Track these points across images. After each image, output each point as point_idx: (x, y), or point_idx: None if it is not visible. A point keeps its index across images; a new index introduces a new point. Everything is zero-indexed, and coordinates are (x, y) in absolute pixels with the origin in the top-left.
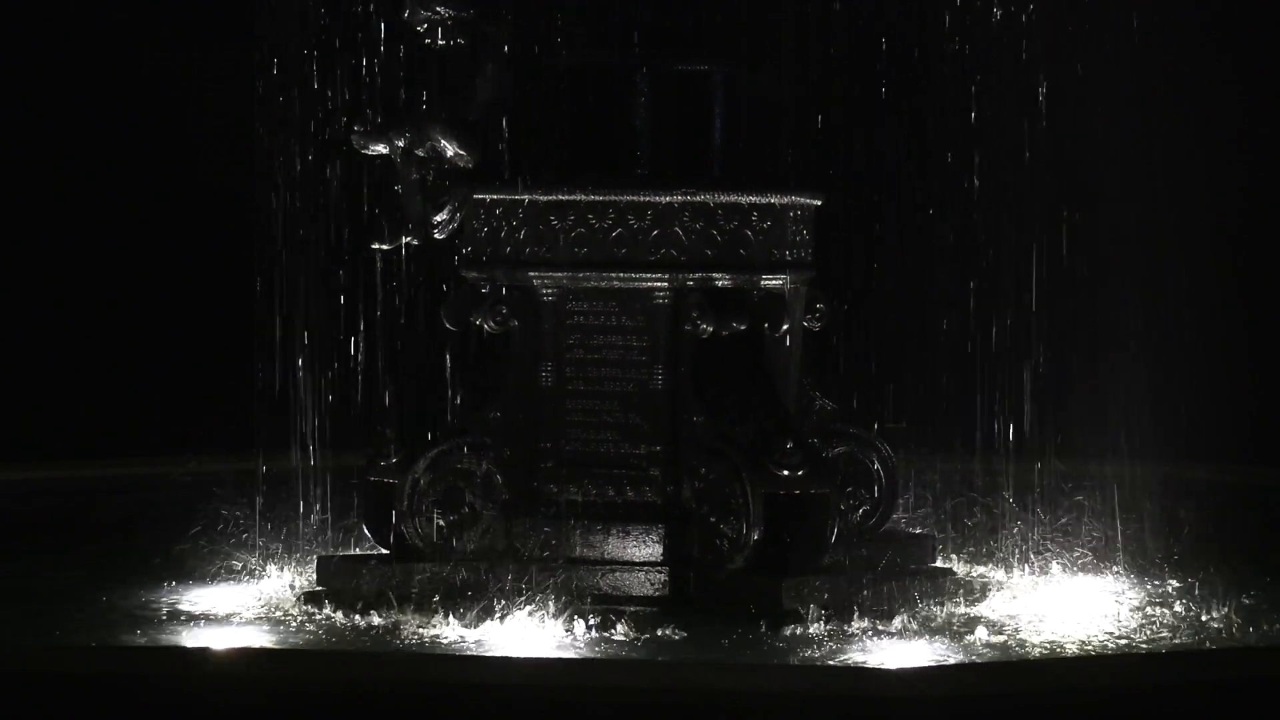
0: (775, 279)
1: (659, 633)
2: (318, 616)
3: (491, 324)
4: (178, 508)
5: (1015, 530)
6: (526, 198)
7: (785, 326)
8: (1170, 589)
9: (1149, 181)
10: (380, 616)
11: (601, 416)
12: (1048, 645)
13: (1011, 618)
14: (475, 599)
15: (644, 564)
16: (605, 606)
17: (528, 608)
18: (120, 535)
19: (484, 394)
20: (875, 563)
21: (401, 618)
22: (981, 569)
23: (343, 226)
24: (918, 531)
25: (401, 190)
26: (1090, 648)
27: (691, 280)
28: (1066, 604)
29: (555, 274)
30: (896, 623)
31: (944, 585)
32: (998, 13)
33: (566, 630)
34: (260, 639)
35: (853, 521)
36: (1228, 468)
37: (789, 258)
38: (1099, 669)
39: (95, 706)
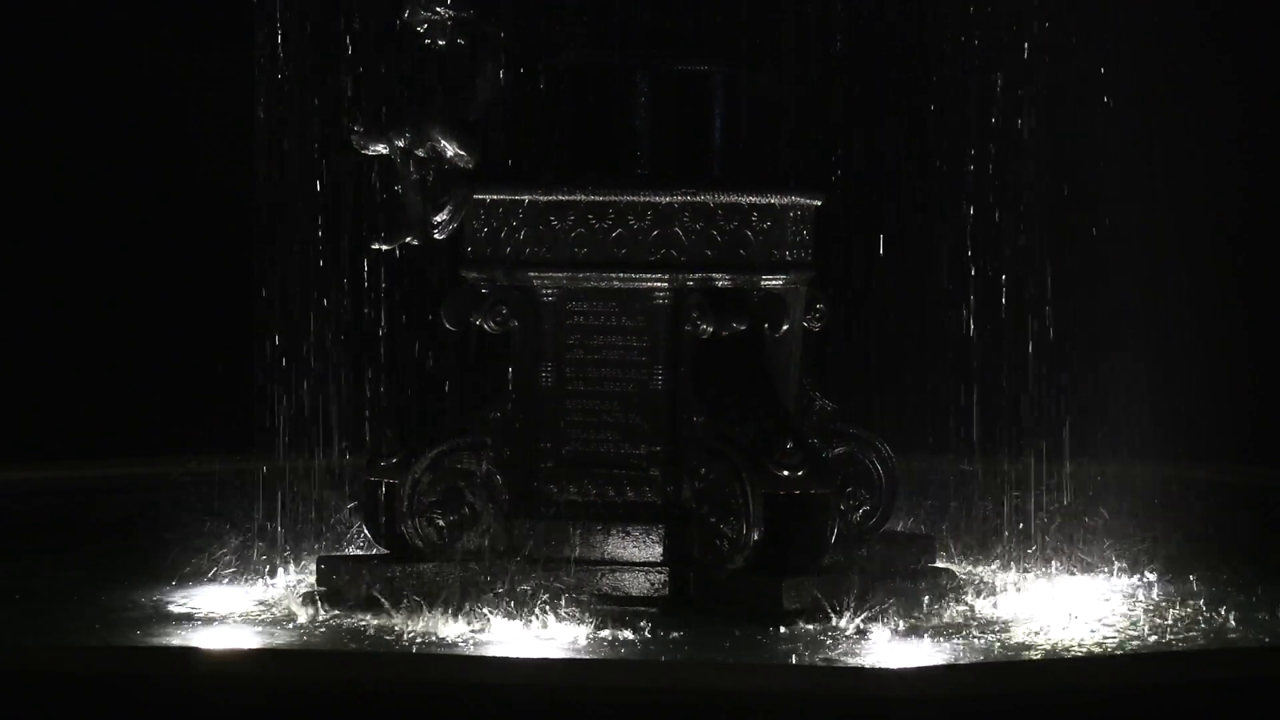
0: (775, 279)
1: (659, 633)
2: (317, 616)
3: (491, 324)
4: (178, 508)
5: (1015, 530)
6: (526, 198)
7: (785, 326)
8: (1170, 589)
9: (1149, 181)
10: (380, 617)
11: (601, 416)
12: (1048, 645)
13: (1012, 618)
14: (475, 599)
15: (644, 564)
16: (605, 606)
17: (528, 607)
18: (120, 535)
19: (484, 394)
20: (875, 563)
21: (401, 618)
22: (981, 569)
23: (343, 227)
24: (918, 532)
25: (401, 190)
26: (1090, 648)
27: (691, 280)
28: (1066, 604)
29: (555, 274)
30: (896, 623)
31: (944, 585)
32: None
33: (566, 630)
34: (260, 639)
35: (853, 521)
36: (1228, 468)
37: (789, 258)
38: (1099, 669)
39: (95, 706)
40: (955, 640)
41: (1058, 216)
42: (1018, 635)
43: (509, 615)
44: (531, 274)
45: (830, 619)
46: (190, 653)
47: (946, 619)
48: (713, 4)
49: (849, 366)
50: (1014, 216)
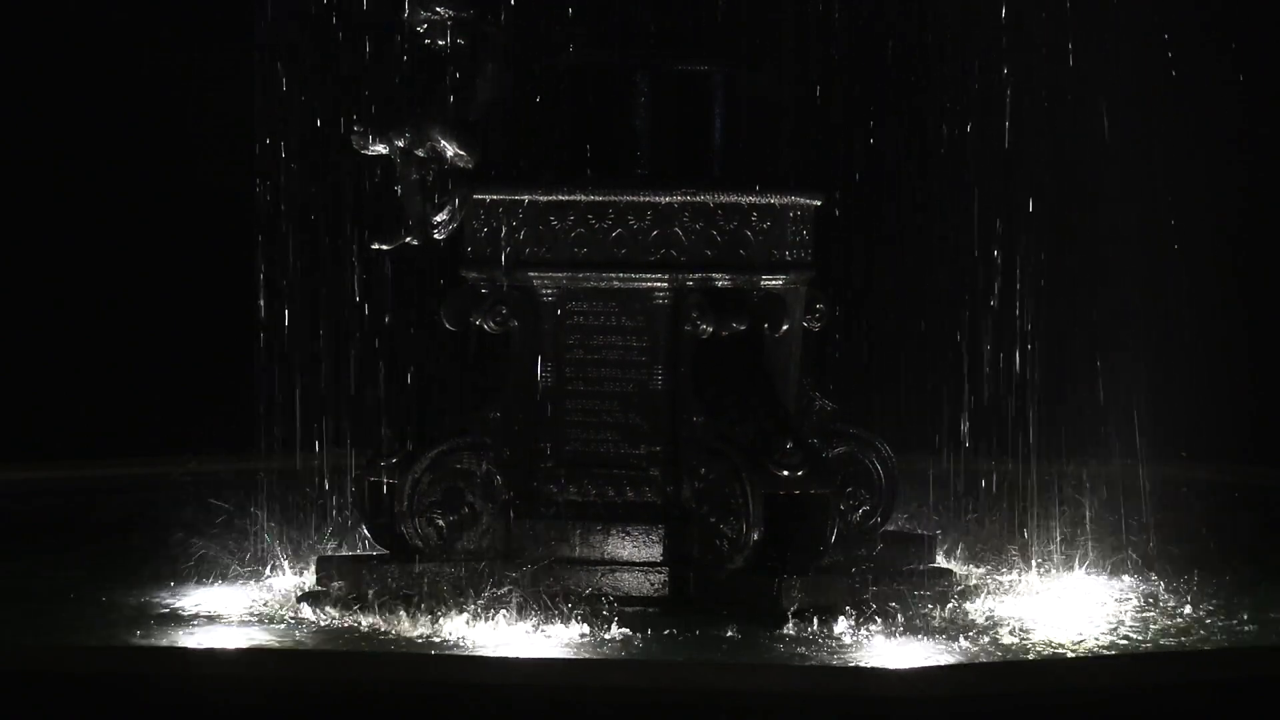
0: (775, 279)
1: (659, 633)
2: (318, 616)
3: (491, 324)
4: (178, 508)
5: (1014, 530)
6: (526, 198)
7: (785, 326)
8: (1170, 589)
9: (1149, 181)
10: (379, 616)
11: (601, 416)
12: (1048, 645)
13: (1012, 618)
14: (475, 599)
15: (644, 564)
16: (605, 607)
17: (527, 607)
18: (120, 535)
19: (484, 394)
20: (875, 563)
21: (401, 618)
22: (981, 569)
23: (342, 227)
24: (918, 532)
25: (401, 190)
26: (1090, 648)
27: (691, 280)
28: (1066, 604)
29: (555, 274)
30: (896, 623)
31: (944, 585)
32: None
33: (566, 630)
34: (260, 639)
35: (853, 522)
36: (1228, 468)
37: (789, 258)
38: (1099, 669)
39: (95, 706)
40: (955, 640)
41: (1058, 216)
42: (1018, 635)
43: (509, 615)
44: (531, 274)
45: (830, 619)
46: (190, 653)
47: (946, 619)
48: (713, 4)
49: (849, 366)
50: (1014, 216)
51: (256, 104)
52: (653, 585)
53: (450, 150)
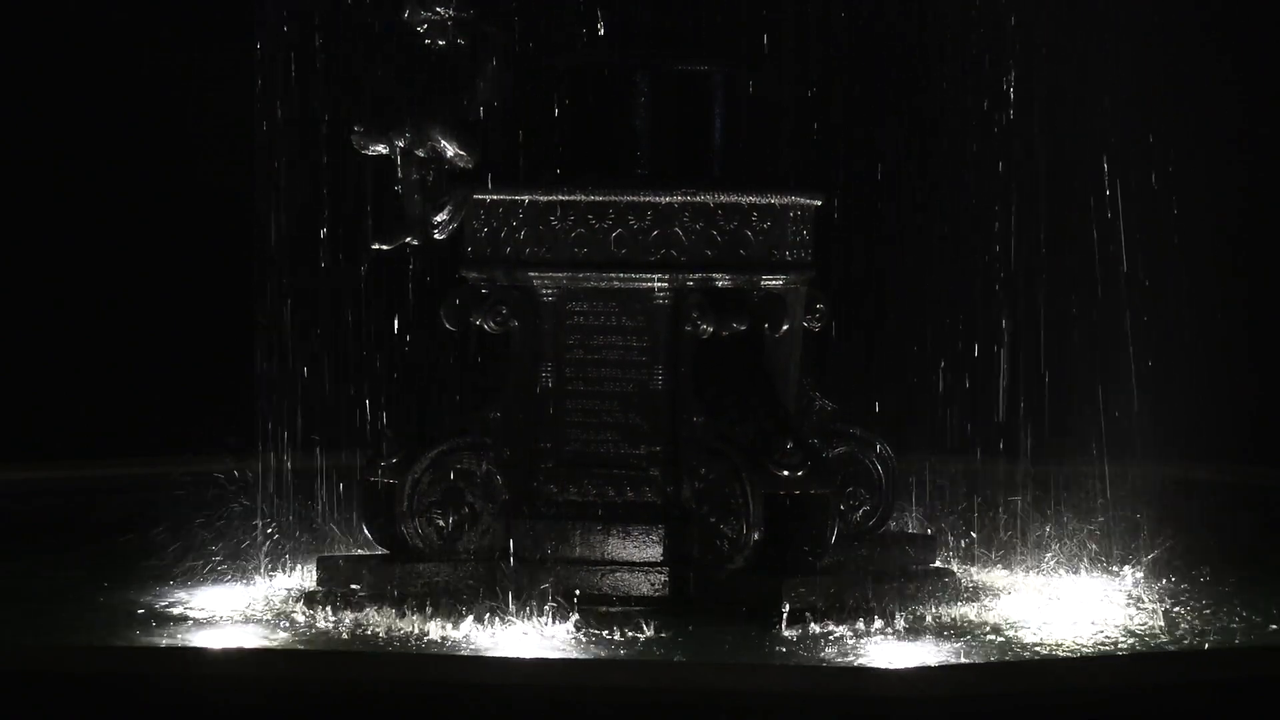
0: (775, 279)
1: (659, 633)
2: (317, 616)
3: (491, 324)
4: (178, 508)
5: (1015, 530)
6: (526, 198)
7: (785, 326)
8: (1170, 589)
9: (1149, 181)
10: (380, 617)
11: (601, 417)
12: (1048, 645)
13: (1012, 618)
14: (475, 599)
15: (644, 564)
16: (605, 607)
17: (527, 608)
18: (120, 535)
19: (484, 394)
20: (875, 563)
21: (401, 618)
22: (981, 569)
23: (342, 227)
24: (918, 532)
25: (401, 190)
26: (1090, 648)
27: (691, 280)
28: (1067, 604)
29: (555, 274)
30: (896, 623)
31: (944, 585)
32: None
33: (566, 630)
34: (260, 639)
35: (853, 522)
36: (1228, 468)
37: (789, 258)
38: (1099, 669)
39: (95, 706)
40: (955, 640)
41: (1057, 216)
42: (1018, 635)
43: (509, 615)
44: (531, 274)
45: (830, 619)
46: (190, 653)
47: (947, 619)
48: (713, 4)
49: (849, 366)
50: (1014, 216)
51: (256, 104)
52: (653, 585)
53: (450, 150)
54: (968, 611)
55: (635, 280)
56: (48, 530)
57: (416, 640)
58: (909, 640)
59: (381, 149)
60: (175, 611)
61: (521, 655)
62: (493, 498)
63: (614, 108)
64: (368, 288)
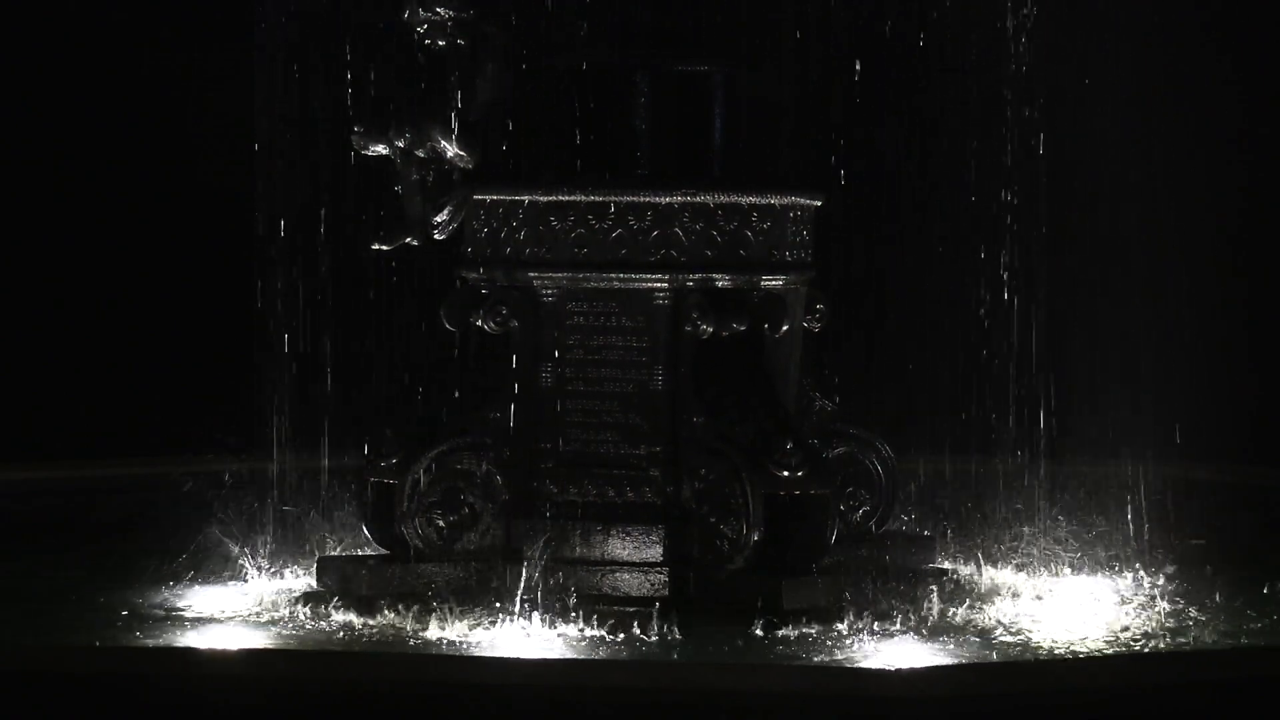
0: (775, 279)
1: (659, 633)
2: (317, 616)
3: (491, 324)
4: (178, 508)
5: (1015, 530)
6: (526, 198)
7: (785, 327)
8: (1170, 589)
9: (1149, 181)
10: (379, 617)
11: (601, 417)
12: (1048, 645)
13: (1012, 618)
14: (475, 599)
15: (644, 564)
16: (605, 607)
17: (528, 608)
18: (120, 535)
19: (484, 394)
20: (875, 563)
21: (401, 618)
22: (981, 569)
23: (342, 227)
24: (918, 532)
25: (401, 190)
26: (1090, 648)
27: (691, 281)
28: (1066, 604)
29: (555, 274)
30: (896, 623)
31: (944, 586)
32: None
33: (566, 630)
34: (260, 639)
35: (853, 522)
36: (1228, 468)
37: (789, 258)
38: (1099, 669)
39: (95, 706)
40: (955, 640)
41: (1058, 217)
42: (1018, 635)
43: (509, 615)
44: (531, 274)
45: (830, 619)
46: (190, 653)
47: (947, 619)
48: (713, 4)
49: (849, 366)
50: (1014, 217)
51: (256, 104)
52: (653, 585)
53: (450, 150)
54: (968, 611)
55: (635, 280)
56: (48, 530)
57: (416, 640)
58: (909, 640)
59: (381, 149)
60: (175, 611)
61: (521, 655)
62: (493, 498)
63: (614, 108)
64: (368, 287)
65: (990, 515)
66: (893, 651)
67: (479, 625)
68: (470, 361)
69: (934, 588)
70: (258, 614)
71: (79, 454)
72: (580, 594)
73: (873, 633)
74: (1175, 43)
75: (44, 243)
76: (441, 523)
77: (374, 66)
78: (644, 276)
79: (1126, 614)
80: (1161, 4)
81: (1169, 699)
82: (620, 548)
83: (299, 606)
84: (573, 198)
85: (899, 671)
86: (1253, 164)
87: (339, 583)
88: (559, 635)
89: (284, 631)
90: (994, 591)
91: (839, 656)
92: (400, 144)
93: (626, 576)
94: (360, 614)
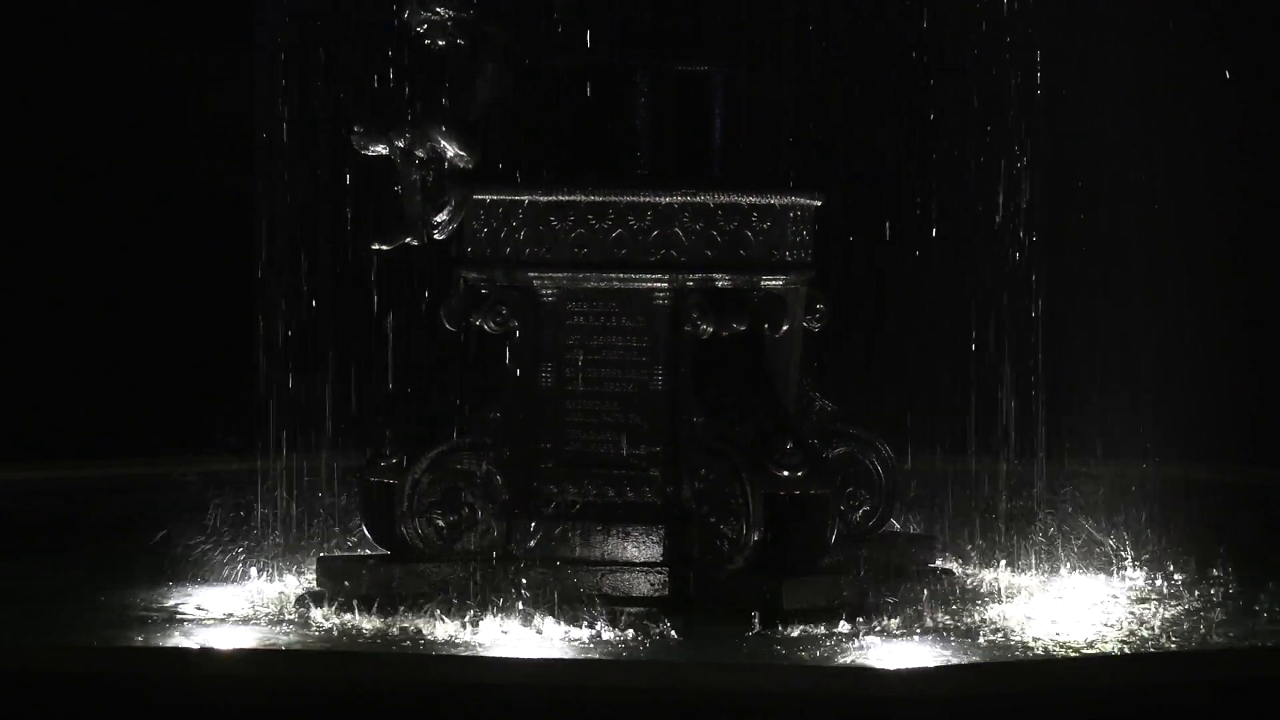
0: (775, 279)
1: (659, 633)
2: (317, 616)
3: (491, 324)
4: (178, 509)
5: (1015, 531)
6: (526, 198)
7: (785, 327)
8: (1170, 589)
9: (1149, 181)
10: (380, 617)
11: (601, 417)
12: (1048, 645)
13: (1012, 618)
14: (475, 599)
15: (644, 564)
16: (605, 607)
17: (528, 608)
18: (120, 535)
19: (484, 394)
20: (876, 563)
21: (401, 618)
22: (981, 569)
23: (342, 227)
24: (918, 532)
25: (401, 190)
26: (1090, 648)
27: (691, 281)
28: (1067, 604)
29: (555, 274)
30: (896, 623)
31: (944, 586)
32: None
33: (566, 630)
34: (260, 639)
35: (853, 522)
36: (1228, 468)
37: (789, 258)
38: (1099, 669)
39: (95, 706)
40: (955, 640)
41: (1058, 217)
42: (1018, 635)
43: (509, 615)
44: (531, 274)
45: (830, 619)
46: (190, 653)
47: (947, 619)
48: (713, 4)
49: (849, 366)
50: (1014, 217)
51: (256, 104)
52: (653, 585)
53: (450, 150)
54: (968, 611)
55: (635, 280)
56: (48, 530)
57: (417, 640)
58: (909, 640)
59: (381, 149)
60: (175, 611)
61: (521, 655)
62: (493, 498)
63: (614, 108)
64: (367, 288)
65: (990, 515)
66: (893, 651)
67: (478, 625)
68: (470, 361)
69: (934, 588)
70: (258, 614)
71: (79, 454)
72: (580, 594)
73: (873, 633)
74: (1175, 42)
75: (44, 243)
76: (441, 523)
77: (374, 66)
78: (644, 276)
79: (1126, 614)
80: (1161, 4)
81: (1169, 699)
82: (620, 548)
83: (299, 606)
84: (573, 198)
85: (899, 671)
86: (1253, 164)
87: (339, 583)
88: (559, 635)
89: (284, 631)
90: (994, 591)
91: (839, 656)
92: (400, 144)
93: (626, 576)
94: (360, 614)
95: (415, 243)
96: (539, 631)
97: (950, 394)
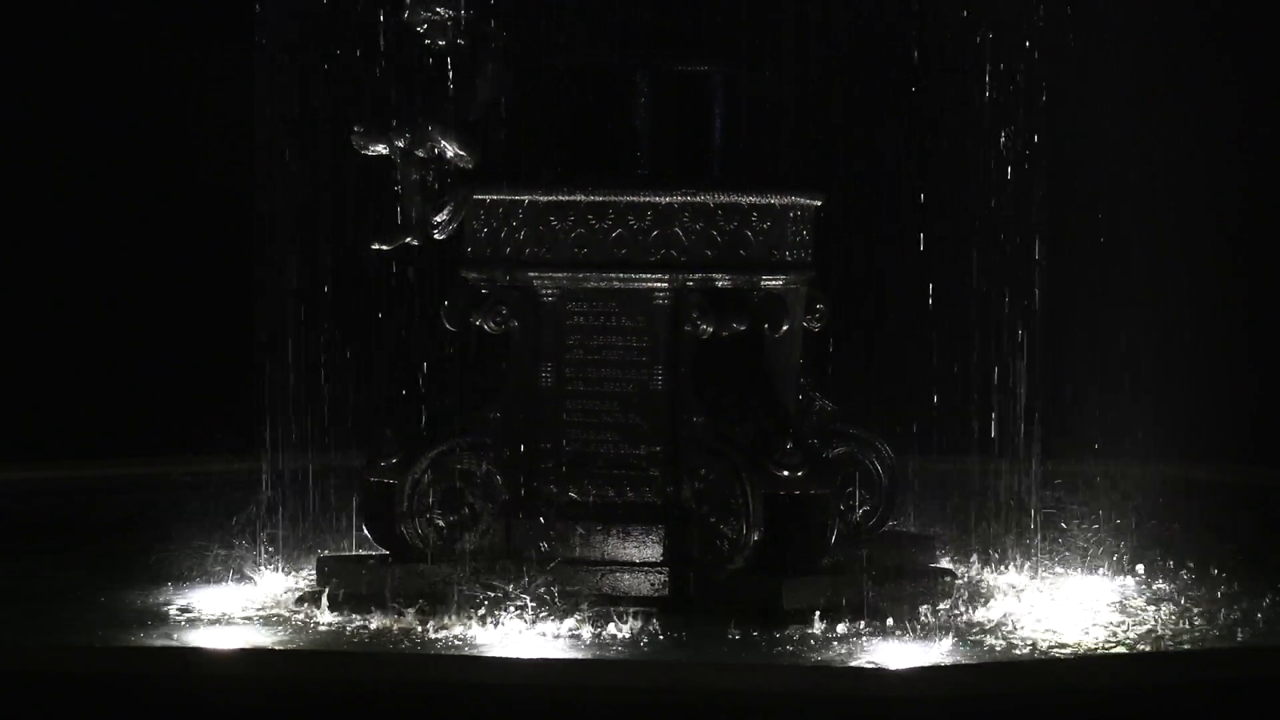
0: (775, 279)
1: (659, 633)
2: (317, 616)
3: (491, 324)
4: (178, 509)
5: (1015, 531)
6: (526, 198)
7: (785, 327)
8: (1170, 589)
9: (1149, 182)
10: (380, 617)
11: (601, 417)
12: (1048, 645)
13: (1012, 618)
14: (475, 599)
15: (644, 564)
16: (605, 607)
17: (527, 608)
18: (120, 535)
19: (484, 394)
20: (876, 563)
21: (401, 618)
22: (982, 569)
23: (342, 227)
24: (918, 532)
25: (401, 190)
26: (1090, 648)
27: (691, 281)
28: (1067, 604)
29: (555, 274)
30: (896, 623)
31: (944, 586)
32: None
33: (566, 630)
34: (260, 639)
35: (853, 521)
36: (1228, 468)
37: (789, 258)
38: (1099, 669)
39: (95, 706)
40: (955, 640)
41: (1058, 217)
42: (1018, 635)
43: (509, 615)
44: (531, 274)
45: (830, 619)
46: (190, 653)
47: (946, 619)
48: (713, 4)
49: (849, 366)
50: (1014, 217)
51: (256, 104)
52: (653, 585)
53: (450, 150)
54: (968, 611)
55: (635, 280)
56: (48, 530)
57: (417, 640)
58: (909, 640)
59: (381, 149)
60: (175, 611)
61: (521, 655)
62: (493, 498)
63: (614, 108)
64: (367, 288)
65: (990, 515)
66: (893, 651)
67: (479, 625)
68: (470, 361)
69: (934, 588)
70: (258, 614)
71: (79, 454)
72: (580, 594)
73: (873, 633)
74: (1175, 43)
75: (44, 243)
76: (441, 523)
77: (374, 66)
78: (644, 276)
79: (1127, 613)
80: (1161, 4)
81: (1169, 699)
82: (620, 547)
83: (299, 606)
84: (573, 198)
85: (899, 671)
86: (1253, 164)
87: (339, 583)
88: (559, 635)
89: (284, 631)
90: (994, 591)
91: (839, 656)
92: (400, 144)
93: (626, 576)
94: (360, 614)
95: (415, 243)
96: (539, 631)
97: (950, 394)
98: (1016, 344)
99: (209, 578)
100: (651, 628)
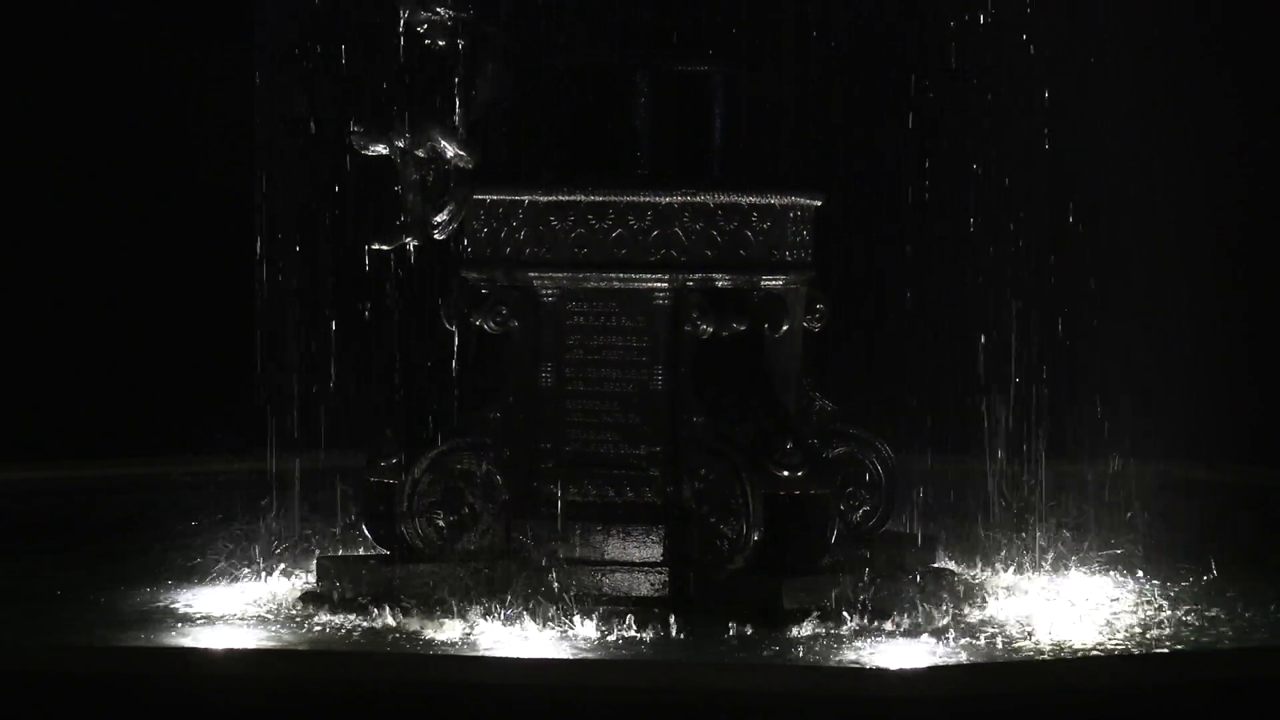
0: (775, 279)
1: (659, 633)
2: (317, 616)
3: (491, 324)
4: (178, 508)
5: (1015, 531)
6: (526, 198)
7: (785, 327)
8: (1169, 589)
9: (1149, 194)
10: (380, 617)
11: (601, 417)
12: (1048, 645)
13: (1012, 618)
14: (475, 599)
15: (644, 564)
16: (605, 607)
17: (528, 608)
18: (120, 535)
19: (484, 394)
20: (876, 563)
21: (401, 618)
22: (982, 569)
23: (342, 227)
24: (918, 532)
25: (401, 190)
26: (1090, 648)
27: (691, 281)
28: (1066, 604)
29: (555, 274)
30: (896, 623)
31: (945, 586)
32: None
33: (566, 630)
34: (260, 639)
35: (853, 521)
36: (1228, 468)
37: (789, 258)
38: (1099, 669)
39: (95, 706)
40: (955, 640)
41: (1058, 228)
42: (1018, 635)
43: (509, 615)
44: (531, 274)
45: (830, 619)
46: (190, 653)
47: (947, 619)
48: (713, 4)
49: (849, 366)
50: (1015, 226)
51: (256, 104)
52: (653, 585)
53: (450, 150)
54: (968, 611)
55: (635, 280)
56: (48, 530)
57: (417, 640)
58: (909, 640)
59: (381, 149)
60: (175, 611)
61: (521, 655)
62: (493, 498)
63: (614, 108)
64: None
65: (990, 515)
66: (893, 651)
67: (479, 625)
68: (470, 361)
69: (934, 588)
70: (258, 614)
71: (79, 454)
72: (580, 594)
73: (873, 633)
74: (1176, 55)
75: (44, 243)
76: (441, 523)
77: (374, 66)
78: (644, 276)
79: (1127, 614)
80: (1162, 16)
81: (1169, 699)
82: (620, 548)
83: (299, 606)
84: (573, 198)
85: (899, 671)
86: (1253, 177)
87: (339, 583)
88: (559, 635)
89: (284, 631)
90: (994, 591)
91: (839, 656)
92: (400, 144)
93: (626, 576)
94: (360, 614)
95: (415, 243)
96: (539, 631)
97: (950, 394)
98: (1015, 344)
99: (209, 578)
100: (651, 628)
